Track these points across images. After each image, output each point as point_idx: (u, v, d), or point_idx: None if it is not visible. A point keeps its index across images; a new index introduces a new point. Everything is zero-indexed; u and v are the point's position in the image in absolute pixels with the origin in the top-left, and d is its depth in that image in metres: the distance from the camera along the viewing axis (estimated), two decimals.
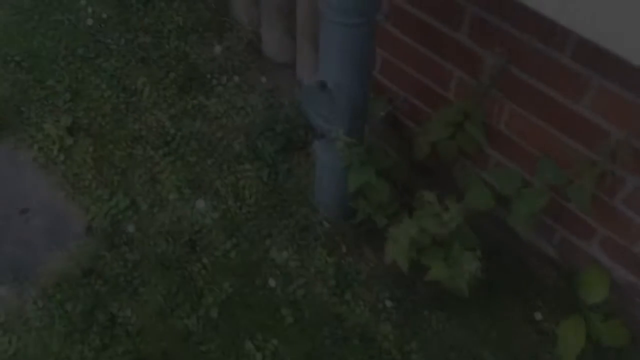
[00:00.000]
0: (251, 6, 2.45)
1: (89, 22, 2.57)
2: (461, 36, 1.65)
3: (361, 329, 1.80)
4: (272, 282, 1.86)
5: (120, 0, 2.66)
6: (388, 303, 1.83)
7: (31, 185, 2.10)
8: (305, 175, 2.10)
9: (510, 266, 1.93)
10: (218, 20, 2.56)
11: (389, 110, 1.96)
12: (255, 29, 2.49)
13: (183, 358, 1.75)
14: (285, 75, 2.43)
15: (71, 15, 2.61)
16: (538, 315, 1.85)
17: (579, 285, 1.71)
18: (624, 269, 1.69)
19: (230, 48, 2.51)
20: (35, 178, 2.12)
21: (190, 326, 1.79)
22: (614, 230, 1.64)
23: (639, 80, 1.34)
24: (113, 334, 1.78)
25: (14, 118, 2.28)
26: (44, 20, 2.60)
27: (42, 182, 2.11)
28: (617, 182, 1.53)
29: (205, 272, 1.89)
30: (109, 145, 2.19)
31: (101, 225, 1.98)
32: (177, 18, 2.60)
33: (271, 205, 2.04)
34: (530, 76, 1.56)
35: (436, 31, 1.70)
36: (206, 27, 2.57)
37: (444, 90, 1.83)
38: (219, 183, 2.10)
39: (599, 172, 1.50)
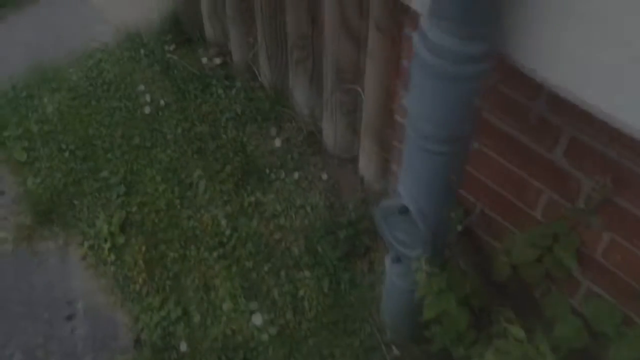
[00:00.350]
0: (312, 98, 2.36)
1: (147, 109, 2.51)
2: (555, 156, 1.50)
3: None
4: None
5: (178, 86, 2.61)
6: None
7: (79, 288, 1.99)
8: (370, 288, 1.94)
9: None
10: (277, 110, 2.48)
11: (465, 223, 1.81)
12: (315, 121, 2.39)
13: None
14: (346, 170, 2.31)
15: (129, 101, 2.57)
16: None
17: None
18: None
19: (289, 139, 2.41)
20: (84, 279, 2.01)
21: None
22: None
23: None
24: None
25: (66, 211, 2.20)
26: (100, 106, 2.56)
27: (91, 284, 2.00)
28: None
29: None
30: (161, 245, 2.08)
31: (151, 338, 1.85)
32: (235, 106, 2.52)
33: (332, 321, 1.88)
34: (636, 207, 1.39)
35: (525, 148, 1.55)
36: (265, 117, 2.48)
37: (529, 208, 1.66)
38: (276, 292, 1.95)
39: None
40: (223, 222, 2.15)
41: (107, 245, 2.07)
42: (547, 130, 1.48)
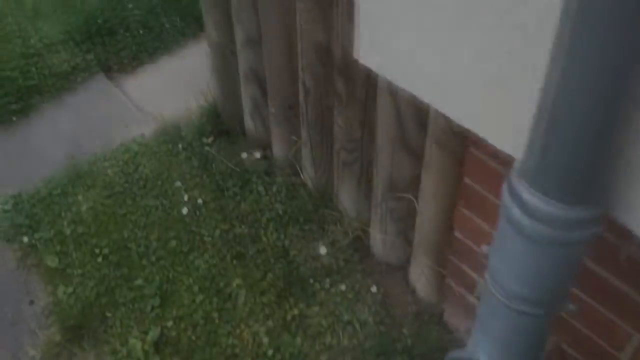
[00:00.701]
0: (360, 201, 2.22)
1: (184, 209, 2.39)
2: None
3: None
4: None
5: (217, 183, 2.50)
6: None
7: None
8: None
9: None
10: (321, 211, 2.34)
11: None
12: (363, 226, 2.24)
13: None
14: (395, 278, 2.15)
15: (165, 199, 2.45)
16: None
17: None
18: None
19: (334, 244, 2.26)
20: None
21: None
22: None
23: None
24: None
25: (98, 325, 2.06)
26: (136, 204, 2.45)
27: None
28: None
29: None
30: None
31: None
32: (276, 205, 2.39)
33: None
34: None
35: (614, 289, 1.38)
36: (307, 218, 2.34)
37: (615, 349, 1.48)
38: None
39: None
40: (265, 339, 1.98)
41: None
42: None
